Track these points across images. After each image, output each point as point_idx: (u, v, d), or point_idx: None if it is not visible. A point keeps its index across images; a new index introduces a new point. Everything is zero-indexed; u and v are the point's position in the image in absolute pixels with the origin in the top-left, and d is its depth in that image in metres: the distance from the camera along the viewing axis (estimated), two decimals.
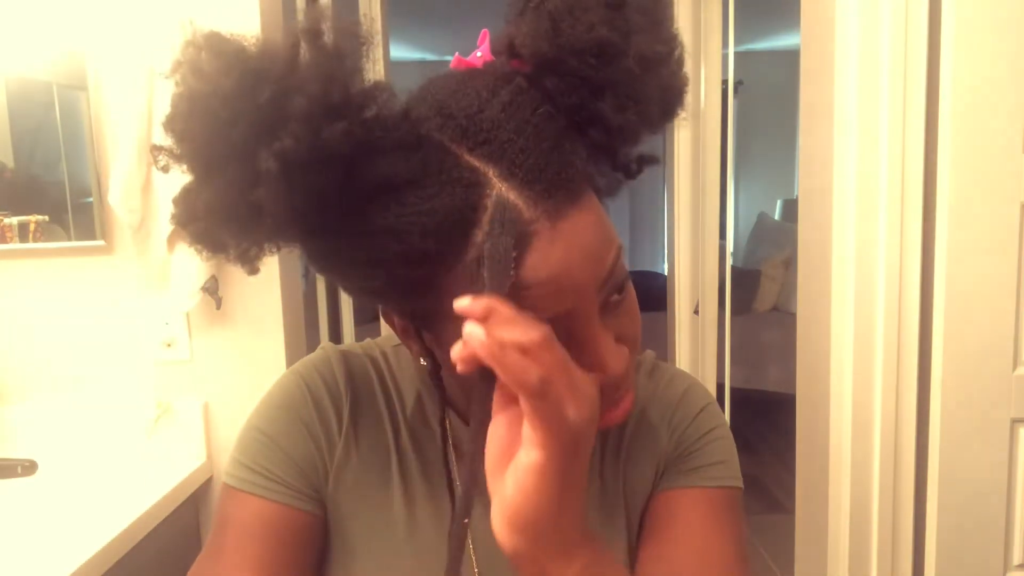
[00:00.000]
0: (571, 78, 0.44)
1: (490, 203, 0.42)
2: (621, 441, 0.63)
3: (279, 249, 0.46)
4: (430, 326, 0.49)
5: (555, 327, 0.41)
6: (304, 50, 0.40)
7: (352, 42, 0.42)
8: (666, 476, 0.62)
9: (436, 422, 0.60)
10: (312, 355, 0.63)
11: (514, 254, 0.41)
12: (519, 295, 0.42)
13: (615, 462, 0.63)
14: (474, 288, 0.41)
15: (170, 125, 0.41)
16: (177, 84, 0.40)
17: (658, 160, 0.52)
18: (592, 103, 0.44)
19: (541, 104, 0.44)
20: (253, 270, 0.45)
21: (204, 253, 0.44)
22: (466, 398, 0.51)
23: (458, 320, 0.39)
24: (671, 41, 0.46)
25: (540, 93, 0.45)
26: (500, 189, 0.42)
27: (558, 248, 0.43)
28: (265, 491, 0.57)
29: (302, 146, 0.38)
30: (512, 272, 0.41)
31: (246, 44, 0.40)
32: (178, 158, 0.42)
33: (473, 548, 0.59)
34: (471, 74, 0.46)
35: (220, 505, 0.59)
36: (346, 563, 0.59)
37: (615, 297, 0.47)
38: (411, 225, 0.41)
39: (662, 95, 0.46)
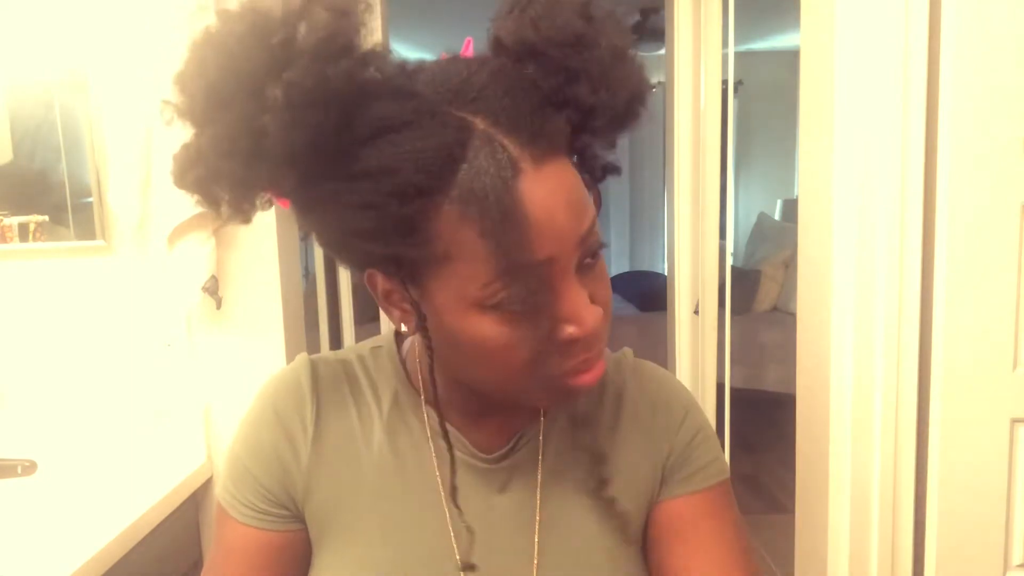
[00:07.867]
0: (550, 64, 0.49)
1: (477, 141, 0.45)
2: (614, 434, 0.64)
3: (271, 204, 0.49)
4: (416, 276, 0.50)
5: (536, 275, 0.46)
6: (314, 5, 0.43)
7: (355, 5, 0.45)
8: (666, 485, 0.63)
9: (413, 416, 0.61)
10: (283, 368, 0.65)
11: (507, 177, 0.44)
12: (506, 234, 0.44)
13: (610, 455, 0.63)
14: (463, 225, 0.44)
15: (180, 78, 0.44)
16: (191, 38, 0.44)
17: (618, 170, 0.56)
18: (568, 87, 0.49)
19: (525, 74, 0.48)
20: (246, 220, 0.48)
21: (202, 204, 0.47)
22: (453, 348, 0.51)
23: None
24: (631, 37, 0.52)
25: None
26: (487, 130, 0.45)
27: (542, 188, 0.46)
28: (243, 516, 0.60)
29: (308, 80, 0.42)
30: (501, 201, 0.43)
31: (256, 5, 0.44)
32: (183, 112, 0.45)
33: (452, 528, 0.60)
34: (458, 58, 0.51)
35: (215, 520, 0.63)
36: (328, 563, 0.60)
37: (589, 260, 0.50)
38: (403, 162, 0.44)
39: (629, 83, 0.51)
